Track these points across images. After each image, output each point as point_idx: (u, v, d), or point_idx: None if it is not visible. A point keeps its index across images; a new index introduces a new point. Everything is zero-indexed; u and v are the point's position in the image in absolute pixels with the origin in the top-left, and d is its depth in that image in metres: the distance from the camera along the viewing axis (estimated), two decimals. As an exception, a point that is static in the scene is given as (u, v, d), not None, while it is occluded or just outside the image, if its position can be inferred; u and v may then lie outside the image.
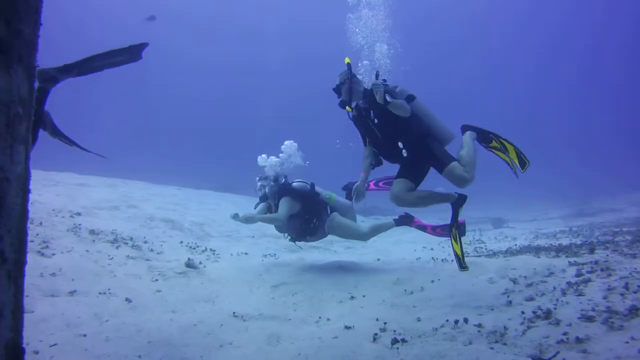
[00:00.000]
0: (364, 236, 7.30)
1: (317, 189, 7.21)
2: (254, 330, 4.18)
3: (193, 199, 15.14)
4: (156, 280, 5.77)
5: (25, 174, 2.47)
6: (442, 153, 5.51)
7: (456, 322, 4.02)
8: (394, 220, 7.39)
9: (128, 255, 6.57)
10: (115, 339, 3.80)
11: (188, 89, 51.92)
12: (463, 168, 5.33)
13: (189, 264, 6.58)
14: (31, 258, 5.52)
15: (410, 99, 5.57)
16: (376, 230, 7.30)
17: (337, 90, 5.90)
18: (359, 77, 5.92)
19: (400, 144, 5.61)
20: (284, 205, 6.82)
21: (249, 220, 6.76)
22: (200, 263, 6.91)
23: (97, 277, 5.43)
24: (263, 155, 7.35)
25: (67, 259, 5.80)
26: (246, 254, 7.99)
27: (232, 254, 7.96)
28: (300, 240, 7.35)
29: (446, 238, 6.88)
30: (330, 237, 8.12)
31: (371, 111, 5.71)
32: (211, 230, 10.08)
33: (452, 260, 6.33)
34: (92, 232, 7.35)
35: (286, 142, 7.44)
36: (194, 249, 8.05)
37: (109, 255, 6.36)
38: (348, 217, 7.27)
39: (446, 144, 5.71)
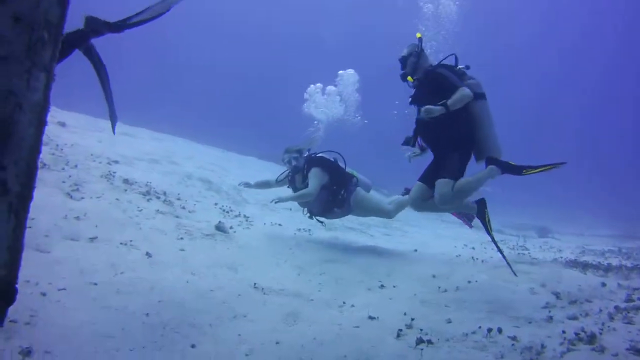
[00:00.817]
0: (389, 213, 7.17)
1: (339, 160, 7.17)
2: (272, 305, 4.02)
3: (235, 163, 15.14)
4: (181, 238, 5.68)
5: (43, 104, 2.33)
6: (453, 165, 5.36)
7: (489, 330, 3.75)
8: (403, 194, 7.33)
9: (158, 210, 6.52)
10: (126, 292, 3.70)
11: (245, 60, 51.94)
12: (451, 192, 5.19)
13: (219, 227, 6.48)
14: (59, 199, 5.53)
15: (476, 97, 5.38)
16: (401, 207, 7.18)
17: (403, 61, 5.78)
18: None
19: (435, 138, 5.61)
20: (315, 178, 6.72)
21: (280, 201, 6.71)
22: (231, 228, 6.80)
23: (121, 227, 5.38)
24: (318, 84, 7.22)
25: (94, 204, 5.78)
26: (280, 225, 7.85)
27: (265, 223, 7.83)
28: (323, 216, 7.21)
29: (459, 220, 6.78)
30: (367, 220, 7.93)
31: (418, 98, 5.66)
32: (248, 197, 9.98)
33: (494, 263, 6.04)
34: (125, 181, 7.34)
35: (348, 71, 7.23)
36: (228, 212, 7.96)
37: (138, 207, 6.32)
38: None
39: (484, 156, 5.51)
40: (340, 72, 7.26)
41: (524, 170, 5.33)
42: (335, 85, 7.19)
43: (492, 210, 5.62)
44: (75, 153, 7.92)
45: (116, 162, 8.69)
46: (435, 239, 9.75)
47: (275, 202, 6.71)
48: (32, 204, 4.93)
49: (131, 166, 8.99)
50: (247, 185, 7.76)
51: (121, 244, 4.91)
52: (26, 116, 2.11)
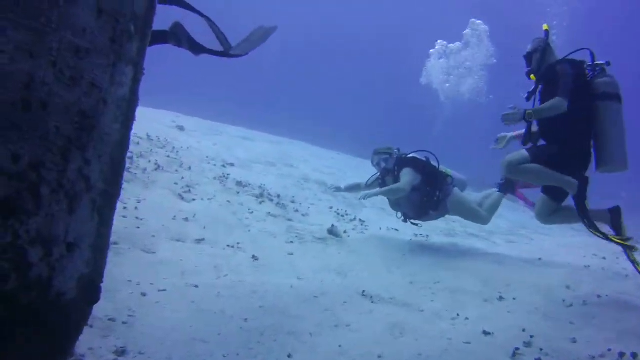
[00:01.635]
0: (484, 220, 6.80)
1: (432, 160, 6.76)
2: (378, 314, 3.79)
3: (352, 165, 15.05)
4: (291, 242, 5.63)
5: (130, 99, 2.29)
6: (545, 151, 5.18)
7: (621, 355, 3.23)
8: (498, 188, 6.90)
9: (269, 212, 6.54)
10: (226, 296, 3.65)
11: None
12: (515, 165, 5.08)
13: (332, 231, 6.36)
14: (170, 200, 5.69)
15: (602, 97, 4.98)
16: (493, 210, 6.83)
17: (528, 57, 5.55)
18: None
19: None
20: (407, 175, 6.36)
21: (367, 196, 6.39)
22: (345, 232, 6.67)
23: (229, 229, 5.41)
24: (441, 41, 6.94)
25: (205, 206, 5.89)
26: (396, 230, 7.59)
27: (380, 228, 7.61)
28: (417, 219, 6.81)
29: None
30: (490, 226, 7.49)
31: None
32: (366, 201, 9.84)
33: (626, 276, 5.39)
34: (239, 183, 7.46)
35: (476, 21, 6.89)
36: (343, 216, 7.84)
37: (249, 209, 6.37)
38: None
39: (603, 165, 5.05)
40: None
41: (591, 228, 5.01)
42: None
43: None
44: (191, 156, 8.19)
45: (231, 164, 8.90)
46: (563, 247, 8.97)
47: (363, 199, 6.41)
48: (143, 205, 5.11)
49: (246, 169, 9.17)
50: (338, 189, 7.61)
51: (228, 246, 4.93)
52: (111, 111, 2.08)
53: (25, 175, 1.73)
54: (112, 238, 4.24)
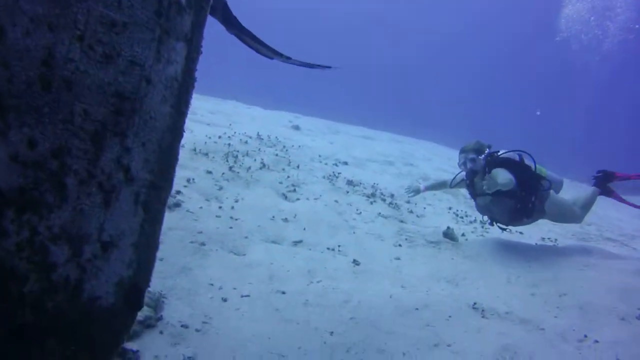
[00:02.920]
0: (578, 218, 6.11)
1: (526, 161, 5.91)
2: (488, 333, 3.31)
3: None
4: (399, 245, 5.25)
5: (183, 79, 2.08)
6: None
7: None
8: (594, 185, 6.27)
9: (380, 213, 6.20)
10: (315, 305, 3.36)
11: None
12: None
13: (447, 234, 5.89)
14: (271, 200, 5.53)
15: None
16: (587, 208, 6.15)
17: None
18: None
19: None
20: (503, 172, 5.52)
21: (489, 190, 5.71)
22: (463, 235, 6.18)
23: (333, 231, 5.14)
24: None
25: (309, 205, 5.67)
26: (521, 233, 6.94)
27: (502, 231, 6.98)
28: (510, 225, 6.06)
29: None
30: (631, 229, 6.67)
31: None
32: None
33: None
34: (350, 182, 7.19)
35: None
36: (462, 217, 7.33)
37: (357, 210, 6.07)
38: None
39: None
40: None
41: None
42: None
43: None
44: (302, 154, 8.05)
45: (345, 163, 8.66)
46: None
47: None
48: (241, 204, 4.96)
49: (360, 167, 8.89)
50: (416, 192, 6.45)
51: (328, 249, 4.67)
52: (158, 92, 1.87)
53: (44, 163, 1.55)
54: (200, 239, 4.14)
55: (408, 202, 7.29)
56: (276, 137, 8.77)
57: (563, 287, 4.34)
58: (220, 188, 5.47)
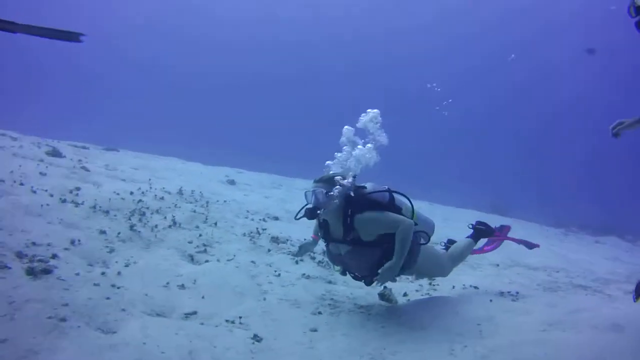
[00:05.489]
0: (447, 272, 5.37)
1: (397, 198, 4.83)
2: None
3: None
4: (319, 313, 4.53)
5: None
6: None
7: None
8: (470, 235, 5.72)
9: (304, 274, 5.54)
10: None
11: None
12: None
13: (384, 295, 5.04)
14: (171, 263, 4.92)
15: None
16: (458, 260, 5.50)
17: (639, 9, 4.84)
18: None
19: None
20: (390, 218, 4.49)
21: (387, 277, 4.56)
22: (405, 295, 5.31)
23: (238, 298, 4.51)
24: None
25: (216, 268, 5.03)
26: (476, 287, 5.88)
27: (454, 286, 5.86)
28: (362, 280, 4.87)
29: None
30: (605, 272, 6.22)
31: None
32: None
33: None
34: (274, 239, 6.60)
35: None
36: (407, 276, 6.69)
37: (276, 271, 5.46)
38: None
39: None
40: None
41: None
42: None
43: None
44: (225, 210, 7.47)
45: (275, 218, 8.11)
46: None
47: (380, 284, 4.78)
48: (132, 269, 4.21)
49: (293, 223, 8.21)
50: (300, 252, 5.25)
51: (226, 321, 4.01)
52: None
53: None
54: (62, 313, 3.42)
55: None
56: (201, 192, 8.19)
57: (520, 358, 3.69)
58: (112, 250, 4.84)
